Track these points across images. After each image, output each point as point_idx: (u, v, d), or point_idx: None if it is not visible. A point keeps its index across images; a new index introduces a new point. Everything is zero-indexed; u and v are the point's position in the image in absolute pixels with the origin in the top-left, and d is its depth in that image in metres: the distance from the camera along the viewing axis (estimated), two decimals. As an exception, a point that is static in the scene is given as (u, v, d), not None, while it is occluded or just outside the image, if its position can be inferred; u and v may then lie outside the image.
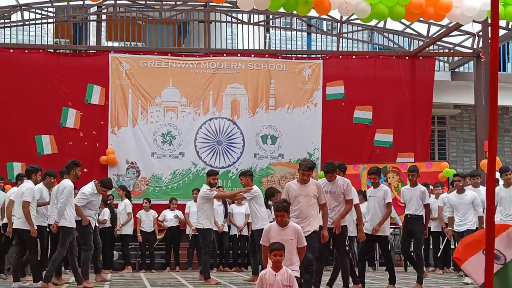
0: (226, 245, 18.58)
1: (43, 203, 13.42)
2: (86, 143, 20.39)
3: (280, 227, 8.31)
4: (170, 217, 18.72)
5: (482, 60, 19.75)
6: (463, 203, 13.86)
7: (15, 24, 21.74)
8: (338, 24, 22.47)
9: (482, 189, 14.13)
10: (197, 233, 17.58)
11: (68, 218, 12.77)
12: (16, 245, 13.69)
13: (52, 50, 21.25)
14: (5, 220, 14.26)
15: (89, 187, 13.75)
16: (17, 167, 19.52)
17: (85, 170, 18.74)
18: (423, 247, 13.58)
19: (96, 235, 14.92)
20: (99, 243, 15.34)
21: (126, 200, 18.08)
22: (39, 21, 22.06)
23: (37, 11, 21.67)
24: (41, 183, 13.69)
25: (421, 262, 12.89)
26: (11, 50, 20.54)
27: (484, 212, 13.10)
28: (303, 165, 9.80)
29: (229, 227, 18.70)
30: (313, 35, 24.25)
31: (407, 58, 21.78)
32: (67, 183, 12.93)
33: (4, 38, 22.09)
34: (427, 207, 12.90)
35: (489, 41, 4.95)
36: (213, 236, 14.83)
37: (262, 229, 12.76)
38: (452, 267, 17.29)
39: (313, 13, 14.36)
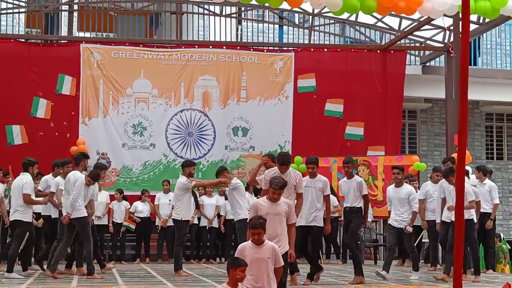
0: (192, 237, 18.45)
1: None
2: (56, 134, 20.28)
3: (256, 246, 7.84)
4: (141, 208, 18.66)
5: (452, 55, 19.92)
6: (398, 198, 13.79)
7: (-14, 13, 21.56)
8: (310, 17, 22.52)
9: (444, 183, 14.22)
10: (167, 225, 17.60)
11: (83, 209, 12.95)
12: (13, 236, 13.69)
13: (23, 40, 21.09)
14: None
15: (82, 178, 13.58)
16: (-13, 157, 19.37)
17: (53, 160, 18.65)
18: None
19: (94, 229, 14.79)
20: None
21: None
22: (11, 11, 21.90)
23: (9, 0, 21.50)
24: (50, 174, 14.09)
25: (354, 253, 12.85)
26: (-18, 40, 20.38)
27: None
28: (274, 183, 8.94)
29: (199, 219, 18.68)
30: (285, 27, 24.30)
31: (378, 51, 21.88)
32: (78, 175, 13.02)
33: (-26, 27, 21.91)
34: (365, 198, 12.78)
35: (460, 35, 5.00)
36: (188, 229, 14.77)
37: (245, 218, 12.96)
38: (422, 260, 17.44)
39: (285, 5, 14.41)
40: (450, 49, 20.10)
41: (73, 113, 20.47)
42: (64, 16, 23.20)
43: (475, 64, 24.67)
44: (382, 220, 19.76)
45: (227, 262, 7.87)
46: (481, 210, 14.36)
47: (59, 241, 13.33)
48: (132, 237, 18.81)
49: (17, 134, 20.01)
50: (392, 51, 21.95)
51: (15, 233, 13.28)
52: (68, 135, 20.35)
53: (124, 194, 18.85)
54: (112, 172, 20.38)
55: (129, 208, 18.59)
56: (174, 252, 14.37)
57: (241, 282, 7.27)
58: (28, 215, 13.14)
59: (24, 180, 13.06)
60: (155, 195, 18.67)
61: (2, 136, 19.86)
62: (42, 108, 20.26)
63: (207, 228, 18.68)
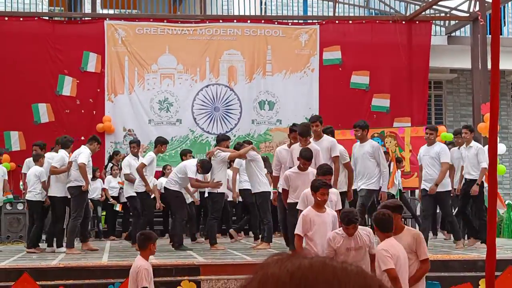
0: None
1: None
2: (83, 111, 20.36)
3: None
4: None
5: (481, 23, 19.67)
6: (429, 156, 13.61)
7: (10, -8, 21.61)
8: (335, -11, 22.37)
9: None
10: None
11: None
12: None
13: (47, 18, 21.13)
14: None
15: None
16: (14, 136, 19.53)
17: (82, 138, 18.76)
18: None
19: (87, 205, 14.93)
20: (89, 212, 15.44)
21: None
22: (33, -11, 21.92)
23: (31, -22, 21.53)
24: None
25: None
26: (6, 18, 20.46)
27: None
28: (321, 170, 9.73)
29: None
30: (309, 0, 24.14)
31: (403, 22, 21.71)
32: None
33: (-1, 6, 21.94)
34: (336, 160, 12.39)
35: (485, 4, 4.92)
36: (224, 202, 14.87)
37: (264, 191, 13.12)
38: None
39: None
40: (479, 17, 19.85)
41: (98, 90, 20.53)
42: (88, -7, 23.19)
43: (500, 34, 24.40)
44: (409, 191, 19.71)
45: (137, 236, 8.61)
46: (467, 177, 13.87)
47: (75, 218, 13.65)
48: (159, 213, 18.79)
49: (43, 112, 20.10)
50: (417, 22, 21.77)
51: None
52: (94, 112, 20.42)
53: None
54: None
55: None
56: (209, 226, 14.38)
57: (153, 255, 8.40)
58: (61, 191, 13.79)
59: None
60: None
61: (29, 114, 19.96)
62: (67, 86, 20.33)
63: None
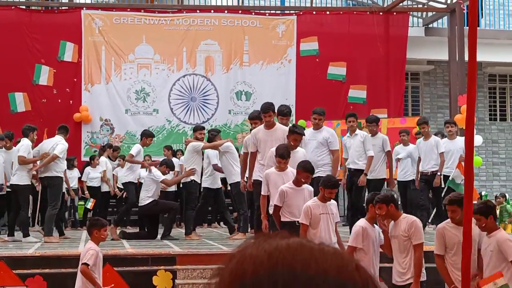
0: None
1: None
2: (59, 100, 20.28)
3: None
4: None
5: (464, 10, 19.67)
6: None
7: (-15, -20, 21.43)
8: (312, -21, 22.37)
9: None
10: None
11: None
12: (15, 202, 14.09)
13: (24, 7, 21.00)
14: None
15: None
16: (-9, 125, 19.42)
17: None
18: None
19: (63, 195, 14.92)
20: (65, 202, 15.45)
21: None
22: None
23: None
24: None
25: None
26: (-18, 7, 20.31)
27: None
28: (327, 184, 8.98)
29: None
30: (286, -9, 24.15)
31: (381, 13, 21.76)
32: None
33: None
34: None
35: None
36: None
37: (239, 182, 13.06)
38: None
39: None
40: (461, 6, 19.91)
41: (75, 79, 20.45)
42: (65, -18, 23.05)
43: (478, 25, 24.53)
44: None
45: (89, 223, 8.93)
46: (428, 169, 14.39)
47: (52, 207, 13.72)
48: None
49: (20, 101, 20.00)
50: (394, 13, 21.83)
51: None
52: (71, 101, 20.34)
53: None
54: (116, 138, 20.40)
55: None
56: (187, 216, 14.44)
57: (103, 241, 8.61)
58: (25, 179, 13.65)
59: (21, 144, 13.69)
60: (159, 161, 18.62)
61: (5, 103, 19.85)
62: (44, 75, 20.23)
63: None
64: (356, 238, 8.15)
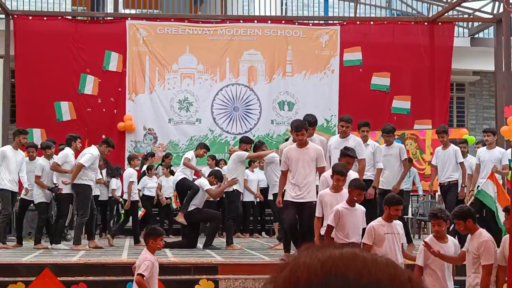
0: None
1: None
2: (104, 110, 20.46)
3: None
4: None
5: (510, 12, 19.38)
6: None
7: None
8: (356, -11, 22.31)
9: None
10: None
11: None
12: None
13: (70, 17, 21.25)
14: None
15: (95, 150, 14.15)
16: (37, 133, 19.64)
17: (103, 136, 18.83)
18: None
19: (93, 202, 14.95)
20: (95, 209, 15.45)
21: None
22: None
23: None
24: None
25: None
26: (30, 17, 20.60)
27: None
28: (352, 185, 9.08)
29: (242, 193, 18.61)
30: (330, 0, 24.10)
31: (425, 24, 21.60)
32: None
33: (23, 5, 22.04)
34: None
35: (510, 6, 4.88)
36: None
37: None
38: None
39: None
40: (508, 15, 19.65)
41: (120, 89, 20.61)
42: (110, -7, 23.27)
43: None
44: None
45: (146, 232, 8.78)
46: (444, 179, 13.90)
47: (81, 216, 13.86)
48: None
49: (65, 110, 20.21)
50: (439, 23, 21.65)
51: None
52: (115, 111, 20.50)
53: (172, 169, 18.83)
54: (159, 147, 20.49)
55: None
56: (227, 226, 14.48)
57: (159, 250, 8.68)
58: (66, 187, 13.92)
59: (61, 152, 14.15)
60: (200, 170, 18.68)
61: (51, 112, 20.08)
62: (89, 85, 20.43)
63: (255, 203, 18.71)
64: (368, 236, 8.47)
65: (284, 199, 11.09)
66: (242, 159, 14.24)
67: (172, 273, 10.68)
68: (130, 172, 16.30)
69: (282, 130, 20.96)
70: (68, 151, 14.05)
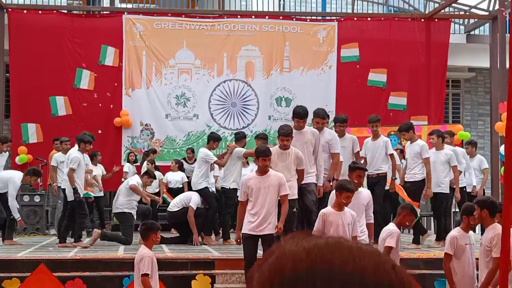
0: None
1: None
2: (100, 105, 20.39)
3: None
4: (172, 178, 18.48)
5: (506, 18, 19.44)
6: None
7: (29, -15, 21.67)
8: (353, -15, 22.32)
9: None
10: None
11: None
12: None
13: (66, 11, 21.18)
14: None
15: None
16: (32, 128, 19.60)
17: (99, 131, 18.91)
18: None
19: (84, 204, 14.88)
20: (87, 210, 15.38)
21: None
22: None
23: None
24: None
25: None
26: (25, 11, 20.50)
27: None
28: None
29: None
30: (327, -4, 24.12)
31: (422, 20, 21.60)
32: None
33: (18, -1, 22.01)
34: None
35: (505, 3, 4.89)
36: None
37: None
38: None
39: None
40: (503, 13, 19.71)
41: (116, 84, 20.56)
42: (106, -13, 23.23)
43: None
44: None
45: (140, 226, 8.71)
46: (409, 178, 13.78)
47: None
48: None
49: (61, 105, 20.14)
50: (436, 20, 21.66)
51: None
52: (111, 106, 20.44)
53: (164, 165, 18.82)
54: (156, 142, 20.47)
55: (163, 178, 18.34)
56: (224, 221, 14.49)
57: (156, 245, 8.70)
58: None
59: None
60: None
61: (46, 107, 20.01)
62: (85, 79, 20.36)
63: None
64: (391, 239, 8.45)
65: (242, 231, 9.86)
66: (240, 155, 14.27)
67: (169, 268, 10.69)
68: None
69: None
70: (75, 154, 13.99)
